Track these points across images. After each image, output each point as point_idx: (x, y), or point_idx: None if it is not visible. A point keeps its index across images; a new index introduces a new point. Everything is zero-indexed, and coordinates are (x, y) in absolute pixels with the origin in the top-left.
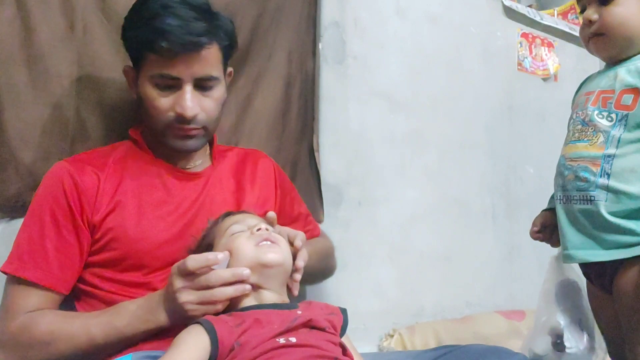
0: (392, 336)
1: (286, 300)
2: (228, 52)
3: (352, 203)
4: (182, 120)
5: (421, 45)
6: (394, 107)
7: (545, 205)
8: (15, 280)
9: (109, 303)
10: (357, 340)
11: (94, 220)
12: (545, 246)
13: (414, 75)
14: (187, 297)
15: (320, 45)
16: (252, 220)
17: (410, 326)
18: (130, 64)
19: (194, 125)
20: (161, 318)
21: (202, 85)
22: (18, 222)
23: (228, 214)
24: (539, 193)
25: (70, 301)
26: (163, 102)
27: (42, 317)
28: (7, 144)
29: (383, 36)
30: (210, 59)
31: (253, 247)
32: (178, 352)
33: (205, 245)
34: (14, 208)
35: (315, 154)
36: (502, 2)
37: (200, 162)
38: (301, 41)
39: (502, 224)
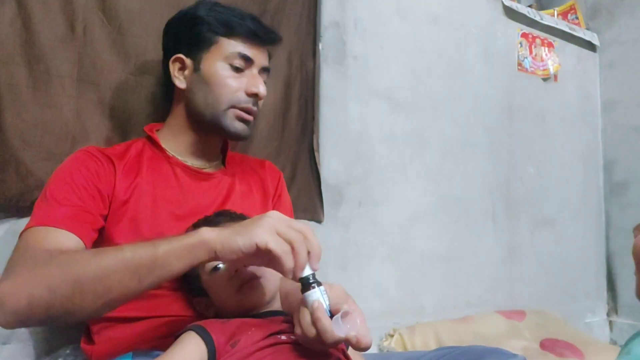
0: (392, 336)
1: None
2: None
3: (352, 203)
4: (254, 100)
5: (421, 45)
6: (394, 107)
7: (544, 205)
8: (35, 231)
9: None
10: None
11: (112, 208)
12: (545, 246)
13: (414, 75)
14: (279, 225)
15: (320, 45)
16: None
17: (410, 326)
18: (176, 56)
19: (256, 108)
20: (202, 251)
21: (264, 80)
22: (19, 222)
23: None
24: (539, 193)
25: None
26: (235, 81)
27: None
28: (8, 144)
29: (383, 36)
30: (268, 60)
31: (235, 294)
32: (173, 353)
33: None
34: (15, 208)
35: (315, 154)
36: (502, 2)
37: (213, 164)
38: (301, 41)
39: (502, 224)
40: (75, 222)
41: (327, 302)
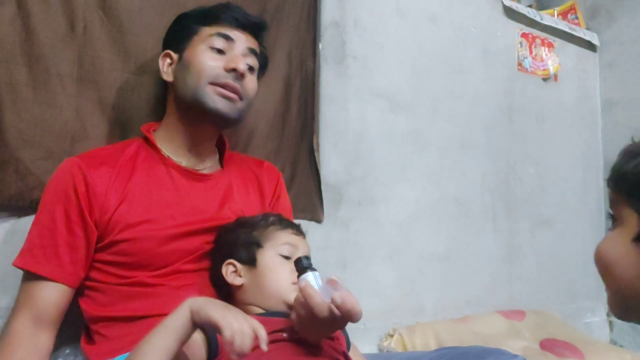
0: (392, 336)
1: None
2: (260, 66)
3: (352, 203)
4: (234, 75)
5: (421, 45)
6: (394, 107)
7: (544, 205)
8: (27, 274)
9: (111, 295)
10: (357, 340)
11: (103, 219)
12: (544, 246)
13: (414, 75)
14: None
15: (320, 45)
16: (302, 250)
17: (410, 326)
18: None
19: (238, 84)
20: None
21: (247, 62)
22: (19, 222)
23: (290, 225)
24: (539, 193)
25: (74, 299)
26: (214, 60)
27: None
28: (8, 143)
29: (383, 36)
30: (256, 45)
31: (289, 284)
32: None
33: (254, 240)
34: (14, 208)
35: (315, 154)
36: (502, 2)
37: (210, 165)
38: (301, 41)
39: (502, 224)
40: (60, 269)
41: (320, 284)
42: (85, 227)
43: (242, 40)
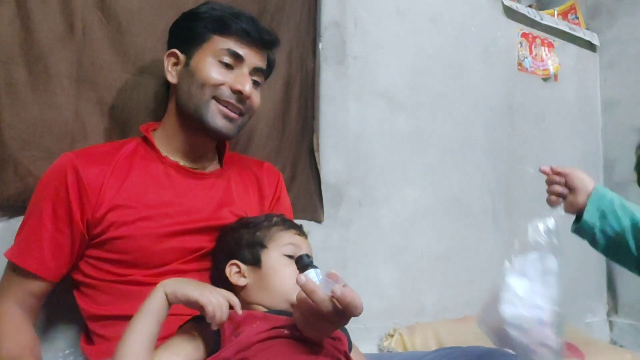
0: (392, 336)
1: None
2: (266, 75)
3: (352, 203)
4: (238, 97)
5: (421, 45)
6: (394, 107)
7: (544, 205)
8: (10, 265)
9: (108, 293)
10: (357, 340)
11: (96, 216)
12: None
13: (414, 75)
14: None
15: (320, 45)
16: (305, 250)
17: (410, 326)
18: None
19: (242, 105)
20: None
21: (254, 79)
22: (18, 221)
23: (293, 226)
24: (539, 193)
25: (69, 292)
26: (220, 75)
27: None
28: (7, 144)
29: (383, 36)
30: (265, 62)
31: (293, 284)
32: (177, 336)
33: (258, 240)
34: (13, 208)
35: (315, 154)
36: (502, 2)
37: (209, 165)
38: (301, 41)
39: (502, 224)
40: (40, 263)
41: (321, 280)
42: (71, 224)
43: (251, 58)
